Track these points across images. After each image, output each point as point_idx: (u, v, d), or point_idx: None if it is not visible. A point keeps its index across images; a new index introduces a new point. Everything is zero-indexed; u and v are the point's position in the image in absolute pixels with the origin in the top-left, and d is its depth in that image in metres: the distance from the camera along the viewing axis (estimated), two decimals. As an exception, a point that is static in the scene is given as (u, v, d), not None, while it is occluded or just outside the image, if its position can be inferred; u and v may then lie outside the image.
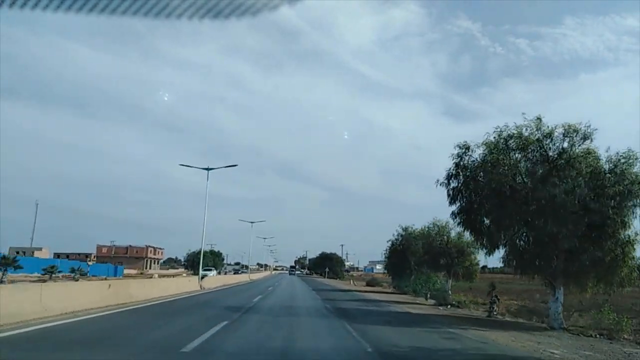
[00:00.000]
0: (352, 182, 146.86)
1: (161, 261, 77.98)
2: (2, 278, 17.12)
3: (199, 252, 45.86)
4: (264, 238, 78.87)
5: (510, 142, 10.54)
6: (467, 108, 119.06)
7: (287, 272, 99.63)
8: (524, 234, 10.69)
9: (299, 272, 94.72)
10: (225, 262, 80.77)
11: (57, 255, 77.19)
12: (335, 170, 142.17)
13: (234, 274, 51.49)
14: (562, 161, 9.93)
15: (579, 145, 10.12)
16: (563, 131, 10.16)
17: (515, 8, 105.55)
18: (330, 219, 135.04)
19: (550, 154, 10.25)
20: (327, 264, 65.70)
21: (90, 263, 38.71)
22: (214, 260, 58.48)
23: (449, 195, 11.44)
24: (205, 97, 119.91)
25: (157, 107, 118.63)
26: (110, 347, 5.23)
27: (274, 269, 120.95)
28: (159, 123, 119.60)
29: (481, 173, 10.82)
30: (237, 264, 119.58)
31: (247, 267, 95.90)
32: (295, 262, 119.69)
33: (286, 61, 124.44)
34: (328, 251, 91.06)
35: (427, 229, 21.36)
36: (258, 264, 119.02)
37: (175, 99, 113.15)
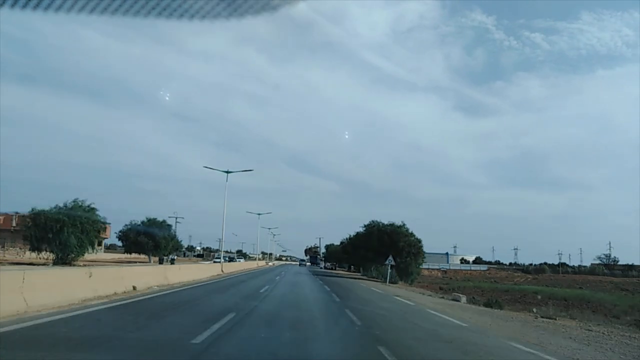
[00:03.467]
0: (364, 175, 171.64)
1: (106, 241, 67.25)
2: None
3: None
4: (269, 228, 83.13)
5: None
6: (480, 102, 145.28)
7: (298, 263, 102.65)
8: None
9: (308, 264, 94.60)
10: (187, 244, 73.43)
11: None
12: (347, 162, 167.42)
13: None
14: None
15: None
16: None
17: (530, 2, 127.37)
18: (343, 212, 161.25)
19: None
20: (385, 249, 36.59)
21: None
22: (153, 238, 44.48)
23: None
24: (219, 87, 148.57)
25: (170, 98, 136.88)
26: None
27: (278, 259, 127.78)
28: (172, 113, 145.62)
29: None
30: (239, 251, 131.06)
31: (245, 255, 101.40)
32: (307, 251, 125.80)
33: (299, 53, 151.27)
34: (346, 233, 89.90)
35: None
36: (263, 252, 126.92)
37: (189, 89, 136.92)
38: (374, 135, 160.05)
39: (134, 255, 50.81)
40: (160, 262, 46.04)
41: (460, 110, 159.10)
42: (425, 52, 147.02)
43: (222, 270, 30.59)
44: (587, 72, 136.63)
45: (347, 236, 57.91)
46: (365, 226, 44.32)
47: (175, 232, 52.30)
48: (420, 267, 43.87)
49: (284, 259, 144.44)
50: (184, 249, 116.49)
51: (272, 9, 2.07)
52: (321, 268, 77.23)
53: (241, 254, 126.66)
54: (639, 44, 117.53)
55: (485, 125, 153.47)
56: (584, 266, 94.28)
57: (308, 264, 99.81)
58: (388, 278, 34.02)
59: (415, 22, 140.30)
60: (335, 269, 73.64)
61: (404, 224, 41.10)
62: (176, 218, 74.96)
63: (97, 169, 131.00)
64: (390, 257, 33.80)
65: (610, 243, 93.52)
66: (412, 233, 40.50)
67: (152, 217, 48.28)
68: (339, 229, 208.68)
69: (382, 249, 37.48)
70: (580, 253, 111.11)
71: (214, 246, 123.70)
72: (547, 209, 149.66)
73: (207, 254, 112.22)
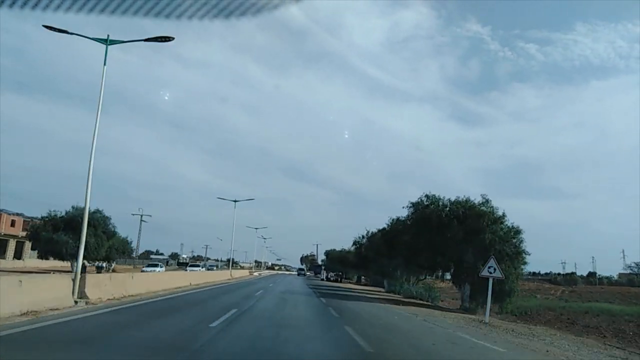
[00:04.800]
0: (360, 184, 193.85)
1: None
2: None
3: None
4: (256, 228, 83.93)
5: None
6: (475, 112, 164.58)
7: (296, 273, 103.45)
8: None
9: (309, 274, 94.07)
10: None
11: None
12: (343, 171, 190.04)
13: None
14: None
15: None
16: None
17: (525, 13, 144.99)
18: (338, 221, 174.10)
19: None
20: (450, 247, 25.68)
21: None
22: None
23: None
24: (214, 95, 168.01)
25: (165, 105, 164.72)
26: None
27: (269, 268, 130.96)
28: (167, 120, 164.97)
29: None
30: (229, 260, 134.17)
31: (235, 263, 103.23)
32: (302, 259, 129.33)
33: (294, 61, 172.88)
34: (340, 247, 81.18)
35: None
36: (256, 261, 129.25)
37: (184, 97, 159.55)
38: (369, 143, 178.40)
39: (51, 262, 41.31)
40: (84, 270, 35.68)
41: (456, 120, 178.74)
42: (420, 62, 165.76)
43: (86, 293, 14.15)
44: (581, 83, 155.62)
45: (364, 234, 50.88)
46: (412, 206, 28.84)
47: (113, 228, 40.98)
48: (519, 279, 27.04)
49: (276, 268, 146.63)
50: (166, 256, 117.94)
51: (270, 9, 2.37)
52: (322, 279, 67.68)
53: (228, 263, 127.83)
54: (632, 56, 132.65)
55: (480, 135, 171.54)
56: (593, 273, 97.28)
57: (309, 273, 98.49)
58: (489, 305, 19.47)
59: (410, 32, 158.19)
60: (340, 281, 64.36)
61: (487, 200, 25.97)
62: (141, 216, 67.52)
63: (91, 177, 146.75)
64: (493, 261, 19.31)
65: (623, 251, 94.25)
66: (503, 216, 25.38)
67: (79, 205, 36.97)
68: (335, 237, 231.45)
69: (448, 247, 25.14)
70: (593, 261, 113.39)
71: (210, 255, 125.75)
72: (543, 218, 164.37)
73: (192, 262, 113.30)
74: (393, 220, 33.39)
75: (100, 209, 40.03)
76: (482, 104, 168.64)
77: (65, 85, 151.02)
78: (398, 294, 36.95)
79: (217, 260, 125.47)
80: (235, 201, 52.29)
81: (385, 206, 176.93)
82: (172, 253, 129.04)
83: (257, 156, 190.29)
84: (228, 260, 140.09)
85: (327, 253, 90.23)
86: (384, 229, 37.57)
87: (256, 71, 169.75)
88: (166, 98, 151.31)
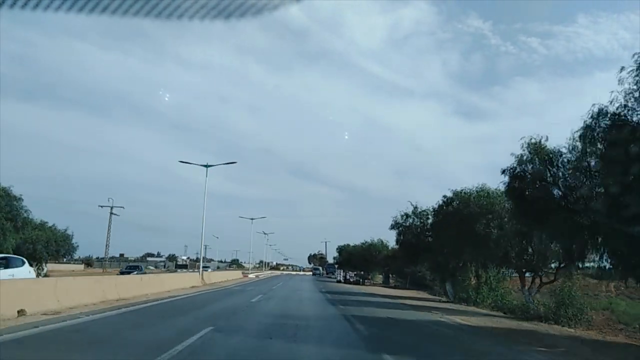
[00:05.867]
0: (365, 182, 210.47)
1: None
2: None
3: None
4: (251, 218, 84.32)
5: None
6: (479, 107, 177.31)
7: (311, 272, 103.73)
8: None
9: (324, 274, 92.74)
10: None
11: None
12: (348, 170, 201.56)
13: None
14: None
15: None
16: None
17: (526, 6, 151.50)
18: (346, 220, 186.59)
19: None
20: None
21: None
22: None
23: None
24: (216, 97, 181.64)
25: (168, 108, 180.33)
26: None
27: (274, 268, 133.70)
28: (170, 123, 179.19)
29: None
30: (235, 260, 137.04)
31: (239, 263, 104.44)
32: (310, 258, 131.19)
33: (296, 61, 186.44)
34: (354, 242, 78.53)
35: None
36: (261, 261, 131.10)
37: (187, 99, 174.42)
38: (374, 141, 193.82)
39: None
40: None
41: (460, 115, 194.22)
42: (422, 58, 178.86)
43: None
44: (584, 75, 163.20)
45: (411, 211, 35.61)
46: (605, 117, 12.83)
47: (26, 214, 32.73)
48: None
49: (282, 268, 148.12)
50: (164, 258, 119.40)
51: (270, 10, 2.56)
52: (338, 281, 59.98)
53: (232, 263, 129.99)
54: (636, 46, 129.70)
55: (485, 130, 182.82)
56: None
57: (324, 272, 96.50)
58: None
59: (411, 28, 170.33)
60: (363, 283, 55.56)
61: None
62: (111, 207, 62.96)
63: (97, 182, 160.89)
64: None
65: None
66: None
67: None
68: (342, 236, 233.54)
69: None
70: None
71: (212, 256, 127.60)
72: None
73: (192, 264, 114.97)
74: (521, 159, 16.86)
75: (7, 187, 30.92)
76: (486, 98, 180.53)
77: (69, 91, 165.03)
78: (474, 305, 25.58)
79: (221, 262, 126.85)
80: (206, 166, 41.69)
81: (391, 203, 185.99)
82: (170, 255, 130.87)
83: (261, 156, 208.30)
84: (232, 260, 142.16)
85: (341, 249, 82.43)
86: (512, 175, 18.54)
87: (258, 71, 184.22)
88: (166, 99, 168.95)
